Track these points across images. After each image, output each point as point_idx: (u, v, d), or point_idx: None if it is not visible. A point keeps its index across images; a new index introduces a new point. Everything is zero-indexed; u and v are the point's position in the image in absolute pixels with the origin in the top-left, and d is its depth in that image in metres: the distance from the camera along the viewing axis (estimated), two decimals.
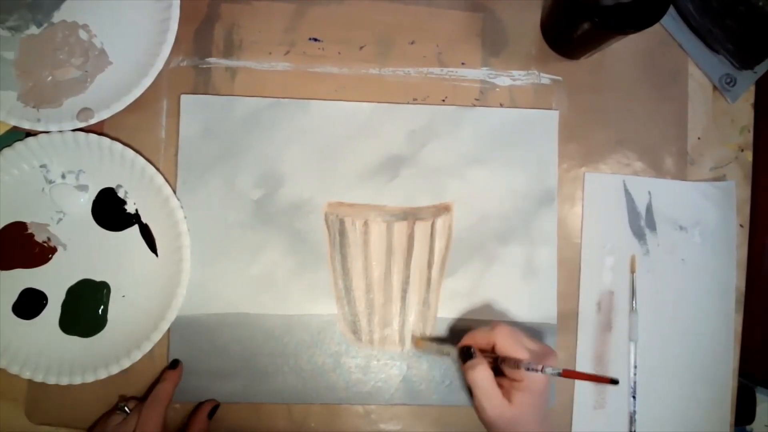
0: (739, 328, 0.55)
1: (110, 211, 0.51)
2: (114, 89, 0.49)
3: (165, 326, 0.49)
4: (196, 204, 0.52)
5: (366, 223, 0.52)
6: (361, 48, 0.54)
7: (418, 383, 0.52)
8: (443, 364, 0.52)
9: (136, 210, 0.52)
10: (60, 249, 0.51)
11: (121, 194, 0.51)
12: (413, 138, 0.54)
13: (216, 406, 0.50)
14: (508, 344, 0.43)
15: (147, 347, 0.49)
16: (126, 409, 0.48)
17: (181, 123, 0.52)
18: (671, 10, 0.55)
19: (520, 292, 0.53)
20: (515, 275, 0.53)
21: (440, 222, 0.53)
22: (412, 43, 0.55)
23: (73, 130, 0.49)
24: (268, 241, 0.52)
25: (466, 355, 0.44)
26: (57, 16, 0.51)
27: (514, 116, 0.54)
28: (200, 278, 0.51)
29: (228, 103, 0.53)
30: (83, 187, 0.51)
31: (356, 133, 0.53)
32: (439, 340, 0.52)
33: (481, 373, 0.43)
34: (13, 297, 0.50)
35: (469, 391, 0.44)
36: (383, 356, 0.52)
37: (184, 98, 0.52)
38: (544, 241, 0.54)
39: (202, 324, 0.51)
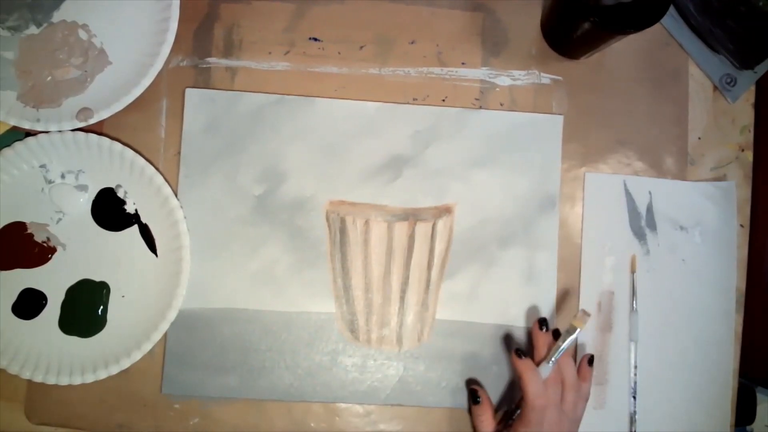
0: (739, 328, 0.55)
1: (110, 211, 0.51)
2: (114, 89, 0.49)
3: (165, 326, 0.49)
4: (198, 198, 0.52)
5: (367, 223, 0.52)
6: (361, 48, 0.54)
7: (415, 384, 0.52)
8: (439, 367, 0.52)
9: (136, 210, 0.52)
10: (59, 249, 0.51)
11: (120, 194, 0.51)
12: (417, 139, 0.53)
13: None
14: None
15: (147, 347, 0.49)
16: None
17: (185, 117, 0.52)
18: (671, 10, 0.55)
19: (519, 296, 0.53)
20: (514, 279, 0.53)
21: (441, 223, 0.53)
22: (412, 43, 0.55)
23: (73, 130, 0.49)
24: (268, 237, 0.52)
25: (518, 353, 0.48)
26: (57, 16, 0.51)
27: (518, 120, 0.54)
28: (200, 272, 0.51)
29: (232, 98, 0.53)
30: (83, 187, 0.51)
31: (360, 132, 0.53)
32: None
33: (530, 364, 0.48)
34: (13, 297, 0.50)
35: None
36: (380, 356, 0.52)
37: (189, 92, 0.52)
38: (544, 245, 0.53)
39: (200, 318, 0.51)
